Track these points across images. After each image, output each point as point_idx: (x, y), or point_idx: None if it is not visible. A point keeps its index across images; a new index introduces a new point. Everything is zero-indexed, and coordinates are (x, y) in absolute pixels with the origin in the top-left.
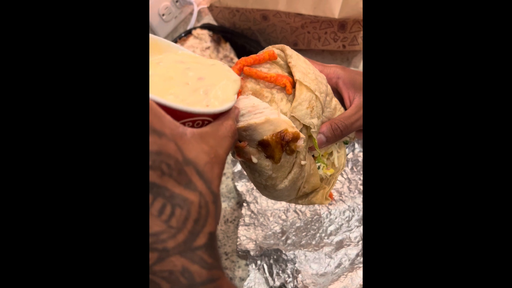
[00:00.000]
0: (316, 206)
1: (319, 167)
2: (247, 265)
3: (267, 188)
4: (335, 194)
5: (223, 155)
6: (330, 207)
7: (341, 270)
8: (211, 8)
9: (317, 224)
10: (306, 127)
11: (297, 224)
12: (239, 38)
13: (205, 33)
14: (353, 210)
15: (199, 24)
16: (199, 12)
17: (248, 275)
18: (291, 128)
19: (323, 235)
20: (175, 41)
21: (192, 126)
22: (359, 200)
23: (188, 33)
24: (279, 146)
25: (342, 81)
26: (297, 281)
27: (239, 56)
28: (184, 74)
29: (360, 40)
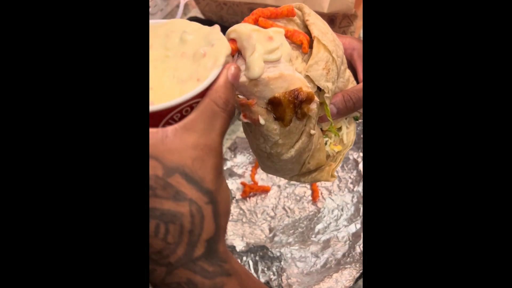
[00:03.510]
0: (305, 204)
1: (326, 143)
2: None
3: (270, 158)
4: (324, 192)
5: (216, 138)
6: (318, 205)
7: (327, 271)
8: (197, 0)
9: (305, 222)
10: (319, 92)
11: (285, 222)
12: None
13: None
14: (342, 209)
15: (185, 17)
16: (186, 5)
17: None
18: (306, 87)
19: (310, 233)
20: None
21: (182, 117)
22: (349, 198)
23: None
24: (291, 106)
25: (357, 53)
26: (281, 279)
27: None
28: (180, 46)
29: (349, 35)
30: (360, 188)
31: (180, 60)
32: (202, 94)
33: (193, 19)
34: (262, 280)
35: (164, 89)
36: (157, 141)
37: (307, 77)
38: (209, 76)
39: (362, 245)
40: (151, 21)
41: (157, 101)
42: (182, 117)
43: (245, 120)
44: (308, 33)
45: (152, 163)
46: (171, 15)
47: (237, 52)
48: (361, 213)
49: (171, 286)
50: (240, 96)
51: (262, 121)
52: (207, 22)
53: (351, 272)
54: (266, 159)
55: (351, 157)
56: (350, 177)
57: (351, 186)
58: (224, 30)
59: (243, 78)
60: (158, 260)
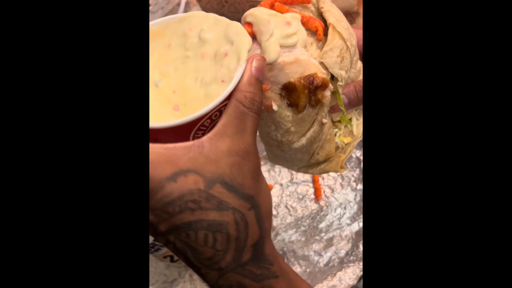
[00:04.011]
0: (307, 202)
1: (335, 134)
2: None
3: (281, 146)
4: (327, 190)
5: (249, 140)
6: (321, 203)
7: (330, 269)
8: None
9: (308, 221)
10: (331, 81)
11: (288, 220)
12: None
13: None
14: (345, 208)
15: None
16: (187, 3)
17: None
18: (321, 73)
19: (313, 232)
20: None
21: (212, 122)
22: (351, 196)
23: None
24: (305, 92)
25: None
26: None
27: None
28: (199, 46)
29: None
30: (362, 186)
31: (201, 61)
32: (229, 97)
33: None
34: None
35: (189, 93)
36: (195, 154)
37: (321, 63)
38: (234, 78)
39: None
40: (168, 17)
41: (183, 105)
42: (212, 122)
43: None
44: (323, 20)
45: (193, 177)
46: (172, 13)
47: (252, 36)
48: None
49: None
50: None
51: (275, 107)
52: None
53: (355, 271)
54: (276, 148)
55: (354, 155)
56: (353, 175)
57: (354, 184)
58: None
59: None
60: (210, 265)
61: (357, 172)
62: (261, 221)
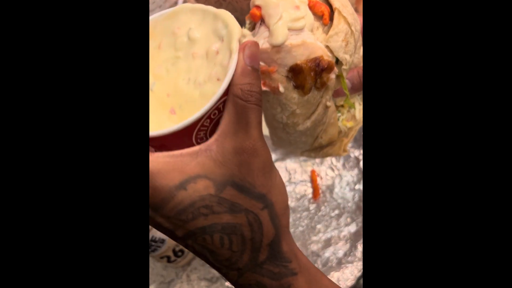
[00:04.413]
0: (305, 202)
1: (338, 119)
2: None
3: (286, 128)
4: (325, 190)
5: (254, 134)
6: (319, 203)
7: (328, 270)
8: None
9: (306, 221)
10: (336, 65)
11: None
12: None
13: None
14: (343, 208)
15: None
16: (184, 2)
17: None
18: (327, 56)
19: (311, 232)
20: None
21: (211, 121)
22: (350, 197)
23: None
24: (312, 74)
25: None
26: None
27: None
28: (189, 46)
29: None
30: (361, 186)
31: (192, 61)
32: (226, 93)
33: None
34: None
35: (183, 94)
36: (202, 158)
37: (327, 47)
38: (227, 74)
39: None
40: (156, 15)
41: (178, 108)
42: (212, 121)
43: (264, 88)
44: (329, 5)
45: (203, 182)
46: None
47: (260, 19)
48: (362, 212)
49: (244, 287)
50: (261, 63)
51: (281, 89)
52: None
53: (353, 271)
54: (281, 131)
55: (352, 155)
56: (351, 175)
57: (352, 184)
58: None
59: (265, 45)
60: (229, 266)
61: (355, 172)
62: (275, 219)
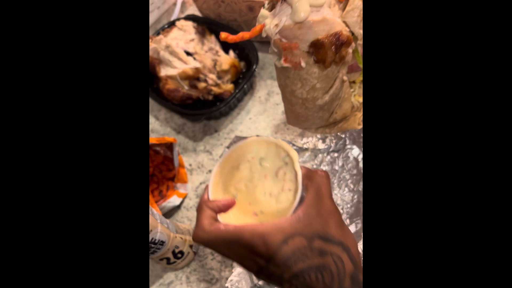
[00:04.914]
0: None
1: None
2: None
3: (305, 103)
4: None
5: (329, 202)
6: None
7: None
8: None
9: None
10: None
11: None
12: (225, 30)
13: (189, 25)
14: (342, 208)
15: (183, 15)
16: (183, 3)
17: (232, 272)
18: (345, 31)
19: None
20: (158, 33)
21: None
22: (349, 197)
23: (172, 24)
24: (332, 48)
25: None
26: None
27: (224, 49)
28: (262, 170)
29: None
30: (360, 187)
31: (265, 181)
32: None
33: (191, 17)
34: (261, 283)
35: (262, 203)
36: (294, 223)
37: (344, 23)
38: (298, 187)
39: (362, 244)
40: (232, 148)
41: (260, 212)
42: None
43: (286, 64)
44: None
45: (298, 238)
46: (168, 12)
47: None
48: (361, 213)
49: None
50: (283, 40)
51: (303, 64)
52: (205, 20)
53: None
54: (300, 106)
55: (351, 156)
56: (350, 176)
57: (351, 185)
58: (222, 28)
59: (288, 22)
60: None
61: (354, 173)
62: (353, 258)
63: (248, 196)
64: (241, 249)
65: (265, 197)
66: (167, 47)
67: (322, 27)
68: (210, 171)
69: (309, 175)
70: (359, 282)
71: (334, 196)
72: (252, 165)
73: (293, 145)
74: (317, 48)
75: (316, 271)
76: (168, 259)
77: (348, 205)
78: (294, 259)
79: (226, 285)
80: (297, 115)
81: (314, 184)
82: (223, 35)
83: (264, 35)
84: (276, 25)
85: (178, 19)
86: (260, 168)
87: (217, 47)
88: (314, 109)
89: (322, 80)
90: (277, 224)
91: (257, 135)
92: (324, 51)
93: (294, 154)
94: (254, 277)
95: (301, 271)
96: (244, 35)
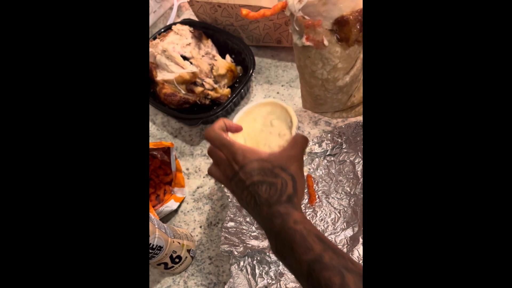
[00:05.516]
0: (302, 207)
1: None
2: (230, 264)
3: (325, 84)
4: (321, 195)
5: (299, 152)
6: (316, 208)
7: None
8: (191, 3)
9: None
10: None
11: None
12: (221, 34)
13: (185, 29)
14: (339, 212)
15: (179, 20)
16: (179, 7)
17: (231, 276)
18: None
19: None
20: (155, 37)
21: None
22: (346, 201)
23: (168, 28)
24: (357, 25)
25: None
26: (280, 284)
27: (221, 53)
28: (270, 127)
29: None
30: (357, 191)
31: (269, 136)
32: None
33: (187, 21)
34: (260, 284)
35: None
36: (269, 154)
37: None
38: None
39: (360, 248)
40: (254, 104)
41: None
42: None
43: (307, 43)
44: None
45: (266, 163)
46: (164, 17)
47: None
48: (358, 216)
49: (269, 215)
50: (306, 17)
51: (326, 42)
52: (201, 24)
53: None
54: (319, 88)
55: (348, 160)
56: (347, 180)
57: (348, 189)
58: (218, 32)
59: None
60: (265, 203)
61: (351, 177)
62: (295, 187)
63: (253, 141)
64: (228, 153)
65: (265, 147)
66: (164, 51)
67: (347, 3)
68: (207, 175)
69: (296, 137)
70: (293, 202)
71: (331, 200)
72: (266, 121)
73: None
74: (341, 26)
75: (267, 185)
76: (165, 264)
77: (346, 208)
78: (257, 172)
79: (225, 287)
80: (315, 98)
81: (295, 140)
82: (244, 11)
83: (287, 13)
84: (300, 1)
85: (175, 23)
86: (269, 126)
87: (214, 52)
88: (333, 91)
89: (344, 59)
90: (258, 151)
91: (274, 98)
92: (349, 28)
93: (295, 120)
94: (252, 282)
95: (258, 182)
96: (265, 12)
